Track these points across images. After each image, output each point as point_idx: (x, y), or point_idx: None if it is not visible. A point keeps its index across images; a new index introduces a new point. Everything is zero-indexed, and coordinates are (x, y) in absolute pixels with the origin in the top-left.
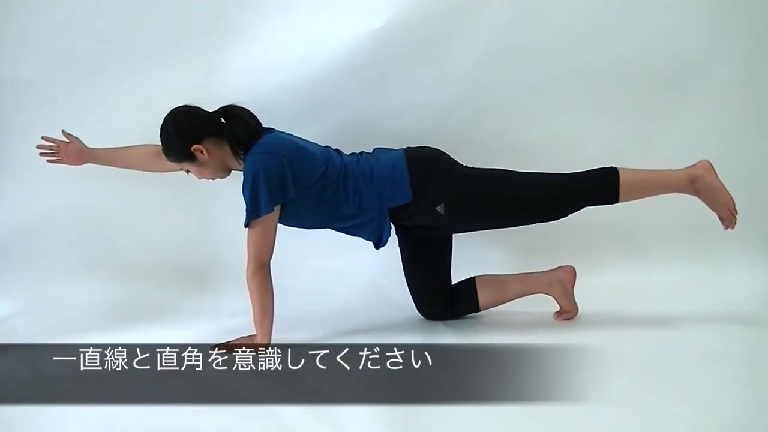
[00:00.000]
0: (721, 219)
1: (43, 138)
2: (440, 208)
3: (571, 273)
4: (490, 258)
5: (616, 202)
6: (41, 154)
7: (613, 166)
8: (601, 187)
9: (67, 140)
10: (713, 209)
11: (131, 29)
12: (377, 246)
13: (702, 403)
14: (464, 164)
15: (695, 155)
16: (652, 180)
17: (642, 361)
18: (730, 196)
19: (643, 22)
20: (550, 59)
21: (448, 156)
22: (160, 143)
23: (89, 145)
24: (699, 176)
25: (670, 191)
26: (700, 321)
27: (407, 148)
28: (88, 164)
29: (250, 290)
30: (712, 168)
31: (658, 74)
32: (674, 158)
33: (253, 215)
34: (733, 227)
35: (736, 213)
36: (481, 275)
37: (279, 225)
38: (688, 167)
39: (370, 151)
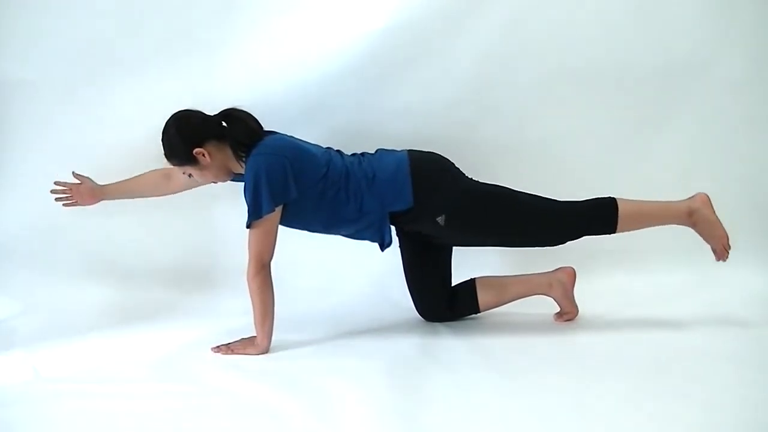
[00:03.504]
0: (714, 251)
1: (56, 183)
2: (441, 220)
3: (571, 274)
4: (490, 259)
5: (614, 233)
6: (56, 199)
7: (612, 196)
8: (599, 218)
9: (79, 181)
10: (707, 242)
11: (131, 31)
12: (382, 248)
13: (702, 403)
14: (469, 176)
15: (695, 155)
16: (649, 211)
17: (642, 361)
18: (725, 231)
19: (643, 22)
20: (550, 59)
21: (453, 165)
22: (163, 155)
23: (88, 145)
24: (696, 209)
25: (667, 223)
26: (700, 321)
27: (411, 151)
28: (84, 162)
29: (250, 291)
30: (710, 201)
31: (658, 74)
32: (674, 158)
33: (254, 216)
34: (725, 260)
35: (729, 248)
36: (481, 276)
37: (281, 226)
38: (687, 199)
39: (372, 152)
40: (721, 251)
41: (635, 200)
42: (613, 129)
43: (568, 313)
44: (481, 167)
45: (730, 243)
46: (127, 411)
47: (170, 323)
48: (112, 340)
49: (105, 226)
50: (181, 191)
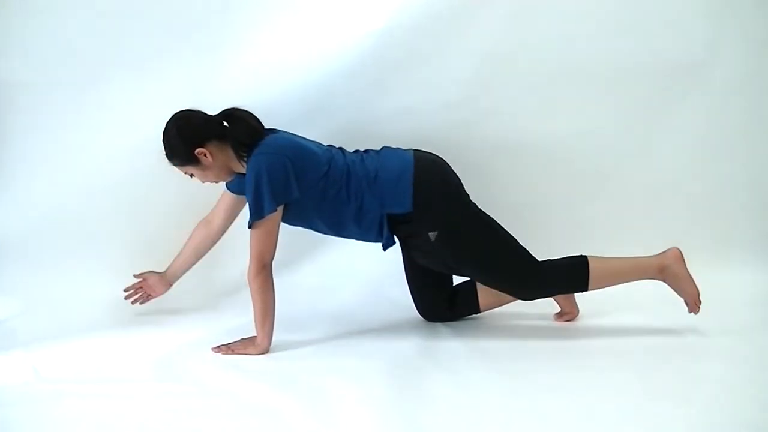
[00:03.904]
0: (686, 303)
1: (125, 290)
2: (433, 235)
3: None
4: None
5: (586, 290)
6: (132, 302)
7: (584, 254)
8: (572, 279)
9: (143, 278)
10: (680, 296)
11: (131, 31)
12: (384, 248)
13: (702, 403)
14: (468, 195)
15: (695, 155)
16: (620, 268)
17: (642, 361)
18: (696, 286)
19: (643, 22)
20: (550, 59)
21: (456, 176)
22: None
23: (88, 145)
24: (668, 266)
25: (639, 278)
26: (700, 321)
27: (417, 151)
28: (80, 156)
29: (251, 291)
30: (682, 257)
31: (658, 74)
32: (674, 158)
33: (256, 215)
34: (697, 313)
35: (700, 302)
36: None
37: (282, 225)
38: (658, 255)
39: (377, 148)
40: (693, 305)
41: (607, 258)
42: (613, 129)
43: (568, 314)
44: (481, 167)
45: (730, 243)
46: (127, 411)
47: (170, 323)
48: (112, 340)
49: (105, 227)
50: (227, 224)
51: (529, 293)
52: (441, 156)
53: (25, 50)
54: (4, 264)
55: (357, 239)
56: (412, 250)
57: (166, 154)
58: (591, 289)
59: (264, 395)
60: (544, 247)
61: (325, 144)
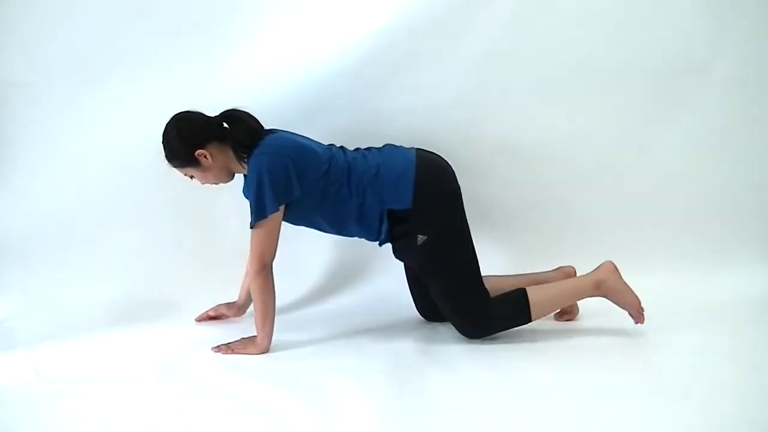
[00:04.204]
0: (631, 315)
1: (196, 319)
2: (421, 239)
3: (571, 274)
4: (491, 258)
5: (530, 321)
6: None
7: (523, 287)
8: (514, 314)
9: (214, 311)
10: (622, 308)
11: (131, 31)
12: (381, 243)
13: (702, 403)
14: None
15: (695, 155)
16: (558, 294)
17: (642, 361)
18: (636, 296)
19: (643, 22)
20: (550, 59)
21: (458, 185)
22: (162, 150)
23: (89, 145)
24: (603, 280)
25: (579, 299)
26: (700, 321)
27: (420, 151)
28: (80, 157)
29: (252, 291)
30: (616, 269)
31: (658, 74)
32: (673, 158)
33: (258, 216)
34: (642, 323)
35: (643, 310)
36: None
37: (283, 224)
38: (593, 272)
39: (380, 146)
40: (637, 315)
41: (544, 287)
42: (613, 129)
43: (568, 313)
44: (481, 167)
45: (730, 242)
46: (127, 411)
47: (171, 323)
48: (113, 340)
49: (105, 227)
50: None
51: (475, 331)
52: (442, 156)
53: (25, 50)
54: (4, 264)
55: (359, 237)
56: (396, 249)
57: (166, 156)
58: (535, 319)
59: (264, 395)
60: (543, 247)
61: (326, 143)
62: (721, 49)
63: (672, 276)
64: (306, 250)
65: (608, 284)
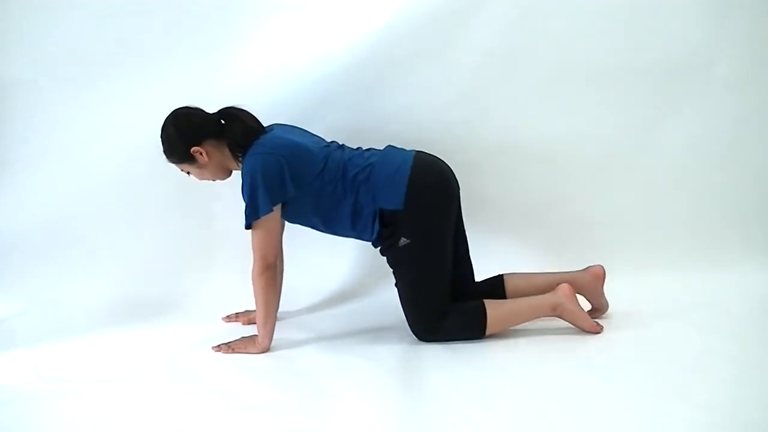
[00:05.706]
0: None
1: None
2: (403, 241)
3: (600, 274)
4: (490, 257)
5: (483, 336)
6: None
7: (482, 300)
8: (468, 327)
9: (235, 316)
10: (579, 329)
11: (131, 31)
12: (375, 244)
13: (702, 403)
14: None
15: (695, 155)
16: (515, 311)
17: (642, 361)
18: (589, 319)
19: (644, 22)
20: (550, 59)
21: (456, 189)
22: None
23: (89, 145)
24: (559, 304)
25: (535, 318)
26: (701, 321)
27: (419, 153)
28: (80, 156)
29: (255, 290)
30: (571, 292)
31: (658, 74)
32: (674, 158)
33: (252, 216)
34: (600, 332)
35: (601, 328)
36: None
37: (288, 224)
38: (550, 294)
39: (381, 147)
40: (595, 331)
41: (502, 302)
42: (613, 129)
43: (598, 310)
44: (482, 167)
45: (730, 242)
46: (128, 410)
47: (171, 323)
48: (113, 339)
49: (105, 226)
50: (281, 237)
51: (427, 336)
52: (441, 157)
53: (26, 50)
54: (4, 264)
55: (353, 237)
56: (382, 248)
57: (164, 152)
58: (489, 333)
59: (264, 394)
60: (543, 247)
61: (328, 140)
62: (721, 49)
63: (672, 276)
64: (306, 251)
65: (564, 307)
